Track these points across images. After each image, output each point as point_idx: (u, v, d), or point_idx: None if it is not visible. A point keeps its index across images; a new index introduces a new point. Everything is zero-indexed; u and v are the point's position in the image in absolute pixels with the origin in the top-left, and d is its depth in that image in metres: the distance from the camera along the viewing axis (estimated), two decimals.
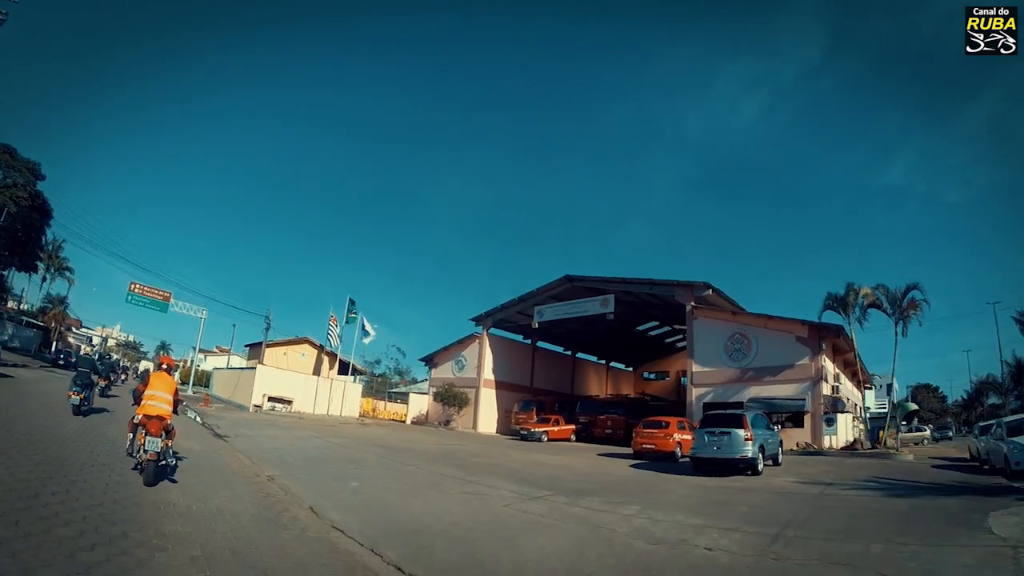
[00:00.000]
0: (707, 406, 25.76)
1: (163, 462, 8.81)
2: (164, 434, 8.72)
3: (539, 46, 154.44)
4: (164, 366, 9.90)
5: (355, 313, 41.28)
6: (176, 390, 9.40)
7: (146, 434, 8.50)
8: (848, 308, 25.29)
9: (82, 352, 50.07)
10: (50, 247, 51.11)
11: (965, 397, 60.89)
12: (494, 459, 17.69)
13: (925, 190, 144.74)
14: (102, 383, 21.15)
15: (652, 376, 53.42)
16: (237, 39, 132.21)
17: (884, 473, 15.61)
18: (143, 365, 69.02)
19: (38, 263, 49.74)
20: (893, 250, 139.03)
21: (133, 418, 9.25)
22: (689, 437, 19.42)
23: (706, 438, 15.65)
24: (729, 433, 15.24)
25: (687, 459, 17.65)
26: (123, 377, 41.23)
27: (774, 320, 26.18)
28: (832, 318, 25.69)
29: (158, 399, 8.94)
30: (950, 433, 52.44)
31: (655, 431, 20.94)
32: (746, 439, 15.08)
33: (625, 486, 12.81)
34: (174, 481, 8.88)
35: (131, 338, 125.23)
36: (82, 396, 15.18)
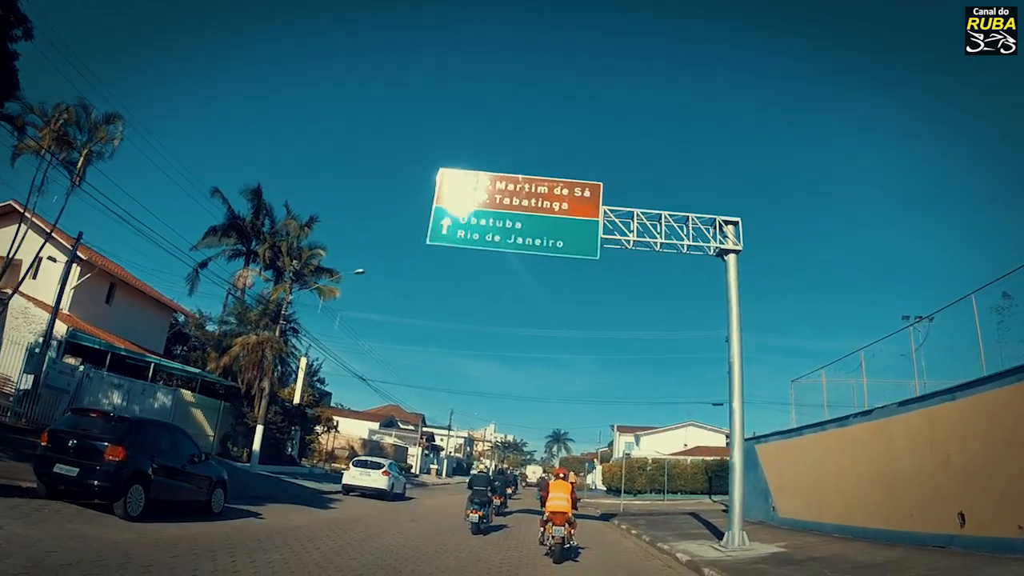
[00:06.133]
0: None
1: (567, 546, 11.70)
2: (567, 524, 11.65)
3: None
4: (560, 475, 13.67)
5: None
6: (572, 490, 12.77)
7: (553, 525, 11.58)
8: None
9: (477, 470, 46.06)
10: None
11: None
12: None
13: None
14: (498, 501, 21.11)
15: None
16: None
17: None
18: (530, 472, 74.17)
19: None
20: None
21: (542, 516, 12.65)
22: None
23: None
24: None
25: None
26: (518, 490, 40.65)
27: None
28: None
29: (559, 499, 12.13)
30: None
31: None
32: None
33: None
34: (576, 561, 11.95)
35: (510, 438, 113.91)
36: (480, 514, 15.30)
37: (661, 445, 53.93)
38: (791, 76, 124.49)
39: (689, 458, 45.84)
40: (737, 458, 14.71)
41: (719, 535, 16.26)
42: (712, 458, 44.36)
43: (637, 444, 58.58)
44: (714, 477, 40.92)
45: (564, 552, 11.50)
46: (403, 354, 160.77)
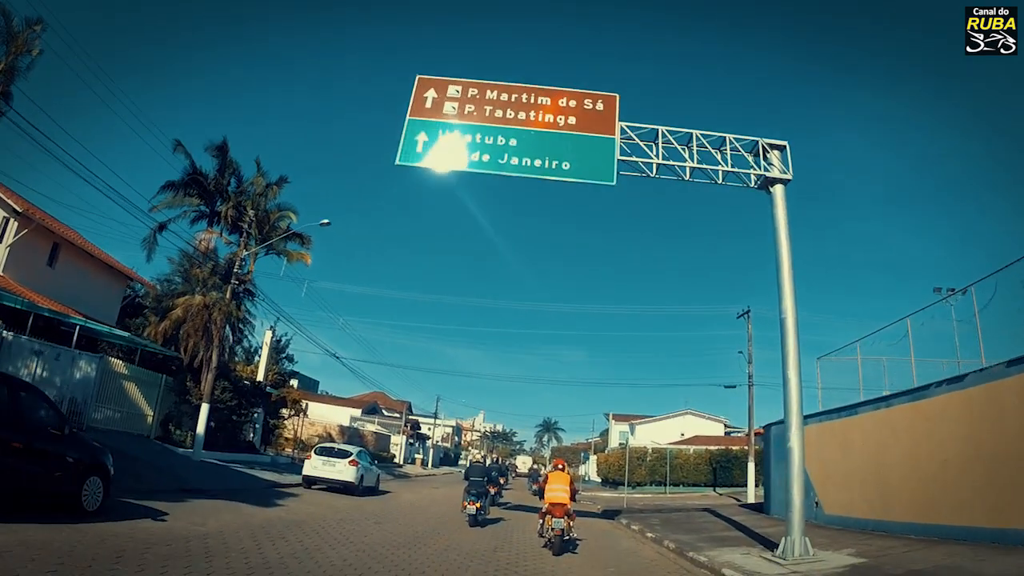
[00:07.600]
0: None
1: (566, 538, 11.50)
2: (565, 516, 11.39)
3: None
4: (559, 467, 12.99)
5: None
6: (571, 482, 12.23)
7: (552, 517, 11.38)
8: None
9: (472, 460, 44.01)
10: None
11: None
12: None
13: None
14: (493, 490, 20.04)
15: None
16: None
17: None
18: (520, 462, 74.81)
19: None
20: None
21: (541, 509, 12.14)
22: None
23: None
24: None
25: None
26: (509, 480, 39.49)
27: None
28: None
29: (558, 491, 11.78)
30: None
31: None
32: None
33: None
34: (575, 552, 11.55)
35: (499, 427, 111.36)
36: (478, 505, 14.72)
37: (657, 434, 51.10)
38: (789, 74, 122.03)
39: (692, 448, 43.07)
40: (795, 440, 11.29)
41: (759, 539, 13.41)
42: (716, 447, 41.86)
43: (632, 433, 56.01)
44: (719, 468, 38.44)
45: (563, 544, 11.31)
46: (388, 334, 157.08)
